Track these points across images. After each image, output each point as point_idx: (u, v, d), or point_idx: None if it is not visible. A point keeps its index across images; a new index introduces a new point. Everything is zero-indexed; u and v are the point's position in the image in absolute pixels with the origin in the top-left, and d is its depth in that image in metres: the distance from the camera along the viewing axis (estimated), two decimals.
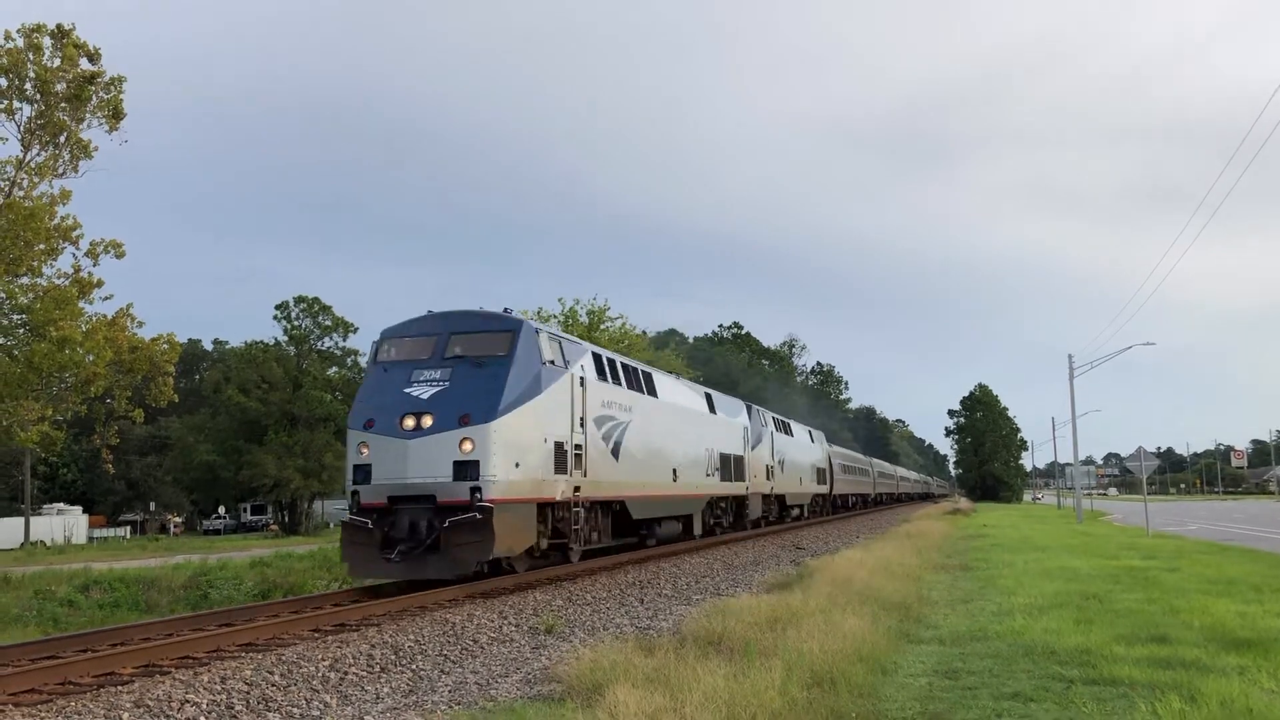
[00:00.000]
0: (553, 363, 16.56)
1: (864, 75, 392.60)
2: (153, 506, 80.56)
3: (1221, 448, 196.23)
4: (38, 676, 8.83)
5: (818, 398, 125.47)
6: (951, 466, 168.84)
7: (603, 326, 42.97)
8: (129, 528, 74.14)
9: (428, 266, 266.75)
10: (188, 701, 8.22)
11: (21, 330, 24.95)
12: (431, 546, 14.35)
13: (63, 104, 22.40)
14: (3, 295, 24.38)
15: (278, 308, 68.96)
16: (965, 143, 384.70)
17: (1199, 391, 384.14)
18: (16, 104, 22.34)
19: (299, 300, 69.00)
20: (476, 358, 15.38)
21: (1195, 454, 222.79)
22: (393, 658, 10.41)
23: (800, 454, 40.03)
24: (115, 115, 23.29)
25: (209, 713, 7.99)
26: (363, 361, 61.70)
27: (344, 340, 70.40)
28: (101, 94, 23.08)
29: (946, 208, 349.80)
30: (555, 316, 43.16)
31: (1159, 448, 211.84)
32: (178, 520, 77.71)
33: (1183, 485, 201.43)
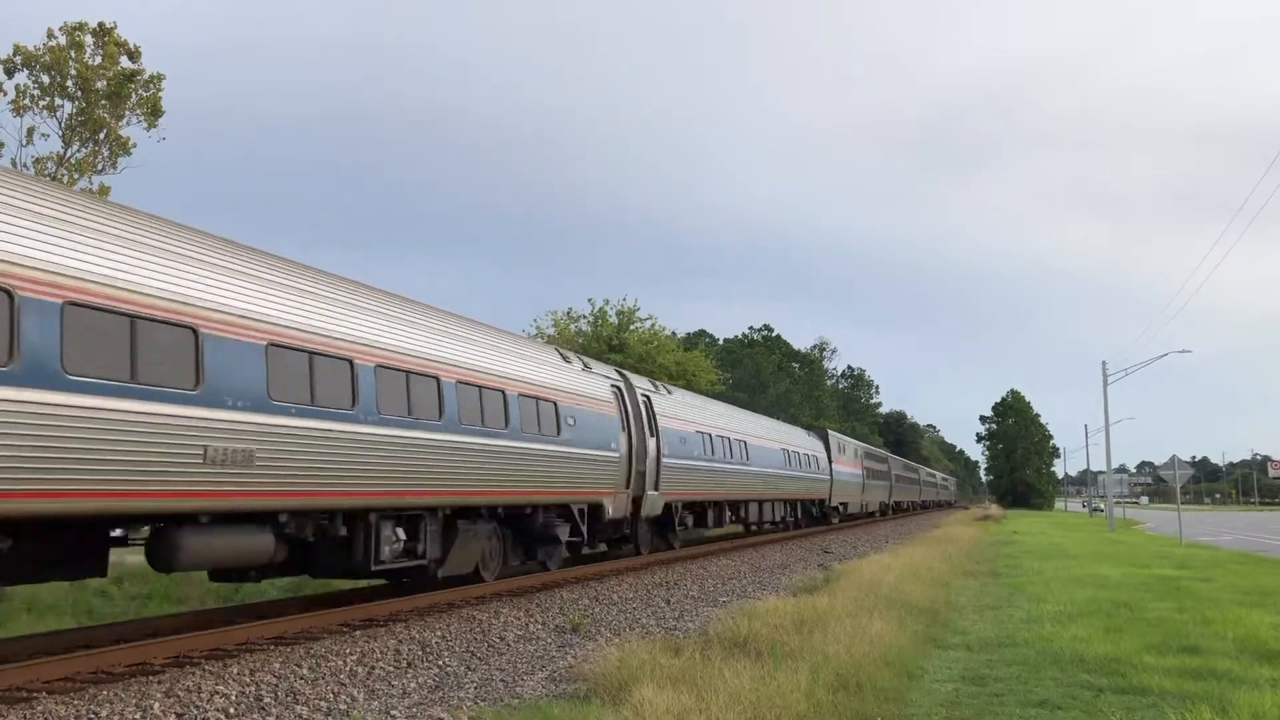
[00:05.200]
0: None
1: (897, 80, 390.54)
2: None
3: (1258, 457, 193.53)
4: (71, 665, 8.95)
5: (848, 401, 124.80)
6: (982, 473, 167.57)
7: (632, 327, 42.95)
8: None
9: (459, 268, 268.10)
10: (217, 692, 8.31)
11: None
12: None
13: (103, 101, 22.66)
14: None
15: None
16: (999, 146, 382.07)
17: (1236, 400, 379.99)
18: (58, 101, 22.63)
19: None
20: None
21: (1231, 463, 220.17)
22: (420, 654, 10.48)
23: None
24: (154, 113, 23.54)
25: (238, 704, 8.07)
26: None
27: None
28: (141, 91, 23.35)
29: (980, 211, 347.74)
30: (585, 316, 43.23)
31: (1194, 457, 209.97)
32: None
33: (1218, 495, 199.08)
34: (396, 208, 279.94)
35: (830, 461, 41.36)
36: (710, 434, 25.05)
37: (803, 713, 7.12)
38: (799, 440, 37.58)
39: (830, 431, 45.08)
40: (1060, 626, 12.00)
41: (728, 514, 27.51)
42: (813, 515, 39.85)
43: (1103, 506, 63.55)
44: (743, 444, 28.14)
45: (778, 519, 33.39)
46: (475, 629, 12.07)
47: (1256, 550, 32.26)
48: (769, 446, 31.46)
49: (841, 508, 44.36)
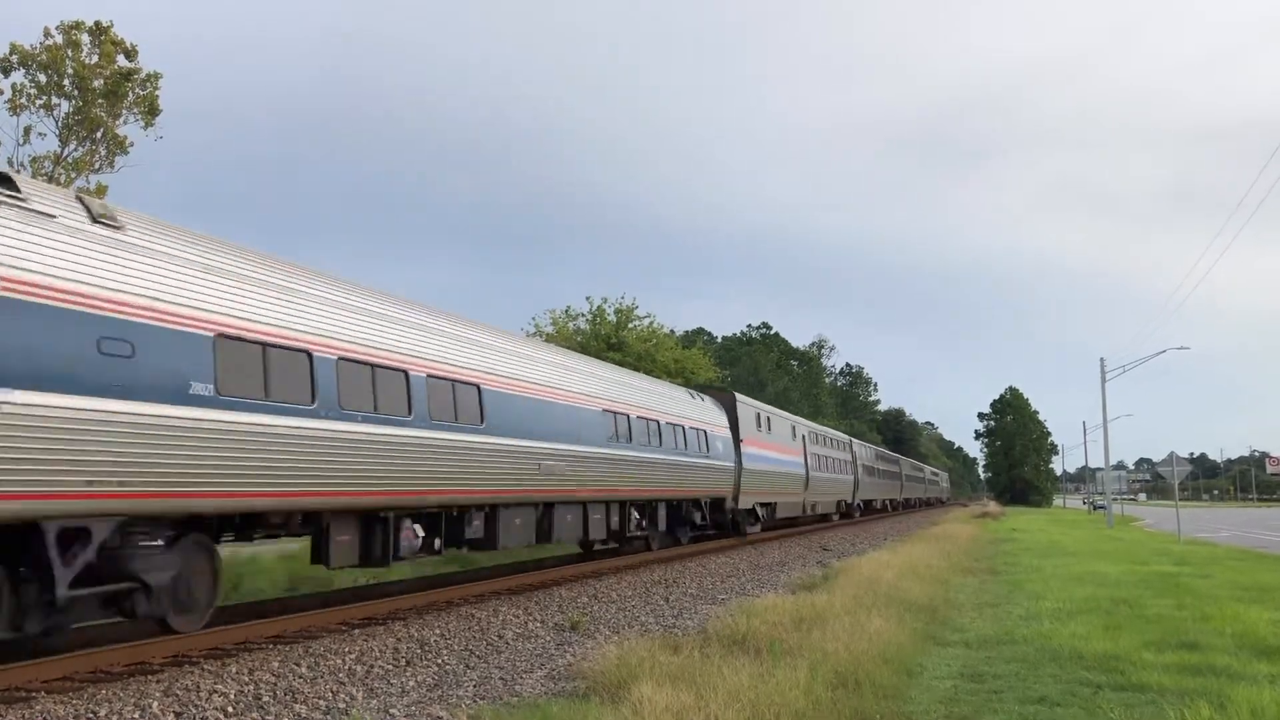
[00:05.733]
0: None
1: (896, 79, 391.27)
2: None
3: (1256, 454, 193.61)
4: (70, 664, 8.93)
5: (847, 399, 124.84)
6: (981, 470, 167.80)
7: (630, 325, 42.96)
8: None
9: (459, 268, 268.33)
10: (216, 691, 8.30)
11: None
12: None
13: (100, 100, 22.65)
14: None
15: None
16: (998, 146, 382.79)
17: (1234, 396, 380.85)
18: (55, 100, 22.62)
19: None
20: None
21: (1229, 460, 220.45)
22: (419, 652, 10.47)
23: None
24: (151, 111, 23.53)
25: (236, 702, 8.06)
26: None
27: None
28: (138, 90, 23.34)
29: (979, 210, 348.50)
30: (583, 315, 43.23)
31: (1192, 453, 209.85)
32: None
33: (1216, 492, 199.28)
34: (395, 205, 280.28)
35: (738, 440, 27.59)
36: (329, 355, 11.25)
37: (802, 710, 7.12)
38: (669, 403, 23.51)
39: (741, 397, 29.78)
40: (1059, 624, 12.00)
41: (404, 534, 13.03)
42: (695, 524, 25.31)
43: (1103, 503, 63.63)
44: (473, 391, 14.42)
45: (599, 536, 19.39)
46: (474, 627, 12.07)
47: (1255, 546, 32.26)
48: (568, 404, 17.54)
49: (762, 510, 30.46)
